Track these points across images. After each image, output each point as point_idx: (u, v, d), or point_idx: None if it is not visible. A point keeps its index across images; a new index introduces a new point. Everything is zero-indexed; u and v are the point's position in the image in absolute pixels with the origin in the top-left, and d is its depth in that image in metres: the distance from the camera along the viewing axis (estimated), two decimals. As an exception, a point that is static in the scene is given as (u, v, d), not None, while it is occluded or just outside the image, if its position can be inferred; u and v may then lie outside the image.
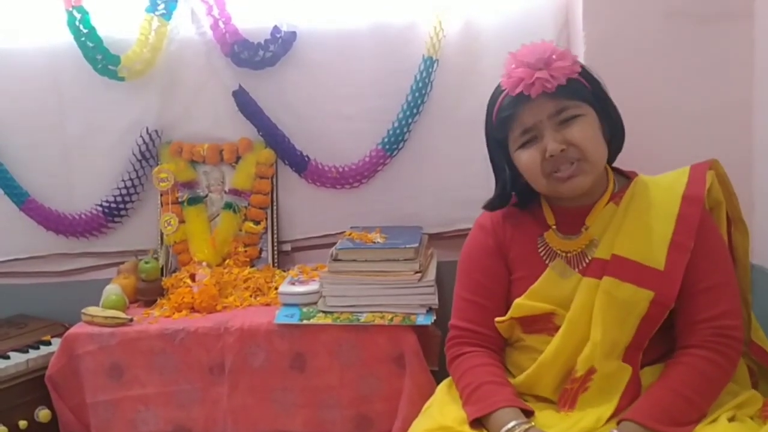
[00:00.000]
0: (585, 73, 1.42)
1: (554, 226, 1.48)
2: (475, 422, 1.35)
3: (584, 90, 1.40)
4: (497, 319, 1.47)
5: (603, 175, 1.46)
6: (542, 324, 1.44)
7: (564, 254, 1.45)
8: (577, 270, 1.43)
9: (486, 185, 1.73)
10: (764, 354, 1.51)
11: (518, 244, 1.50)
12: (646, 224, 1.40)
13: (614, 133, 1.47)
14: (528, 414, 1.35)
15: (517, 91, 1.37)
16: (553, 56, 1.37)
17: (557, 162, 1.38)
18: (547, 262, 1.46)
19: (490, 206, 1.55)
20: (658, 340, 1.40)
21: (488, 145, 1.52)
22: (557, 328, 1.41)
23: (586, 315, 1.38)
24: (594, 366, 1.36)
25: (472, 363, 1.45)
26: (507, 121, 1.42)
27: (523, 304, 1.45)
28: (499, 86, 1.45)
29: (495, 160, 1.52)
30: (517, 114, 1.40)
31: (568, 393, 1.38)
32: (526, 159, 1.41)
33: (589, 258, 1.42)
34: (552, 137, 1.37)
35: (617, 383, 1.35)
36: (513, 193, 1.53)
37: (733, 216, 1.52)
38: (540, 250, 1.47)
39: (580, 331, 1.38)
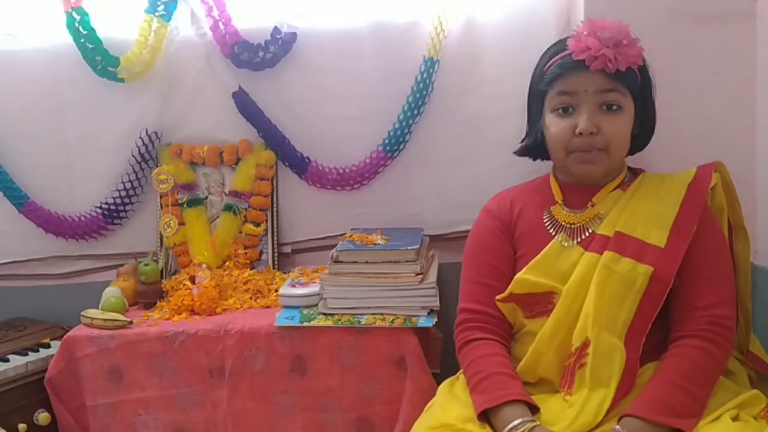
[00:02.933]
0: (644, 69, 1.47)
1: (561, 202, 1.51)
2: (481, 415, 1.35)
3: (635, 82, 1.44)
4: (498, 296, 1.49)
5: (618, 165, 1.50)
6: (543, 305, 1.45)
7: (569, 225, 1.48)
8: (576, 241, 1.45)
9: (487, 187, 1.73)
10: (763, 364, 1.52)
11: (525, 222, 1.54)
12: (650, 207, 1.44)
13: (642, 134, 1.52)
14: (535, 410, 1.35)
15: (580, 57, 1.41)
16: (624, 41, 1.41)
17: (583, 142, 1.42)
18: (552, 233, 1.48)
19: (520, 151, 1.62)
20: (662, 332, 1.40)
21: (529, 93, 1.56)
22: None
23: (583, 289, 1.40)
24: (588, 338, 1.36)
25: (482, 352, 1.45)
26: (555, 77, 1.45)
27: (523, 279, 1.46)
28: (564, 41, 1.48)
29: (531, 109, 1.56)
30: (567, 75, 1.43)
31: (567, 370, 1.39)
32: (556, 130, 1.46)
33: (590, 230, 1.45)
34: (588, 115, 1.41)
35: (612, 366, 1.35)
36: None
37: (735, 223, 1.54)
38: (546, 223, 1.50)
39: (577, 305, 1.40)
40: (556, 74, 1.45)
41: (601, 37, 1.40)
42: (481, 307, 1.50)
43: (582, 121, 1.41)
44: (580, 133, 1.41)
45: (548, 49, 1.52)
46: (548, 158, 1.58)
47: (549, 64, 1.48)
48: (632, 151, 1.54)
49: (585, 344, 1.37)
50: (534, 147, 1.56)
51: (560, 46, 1.49)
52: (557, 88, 1.45)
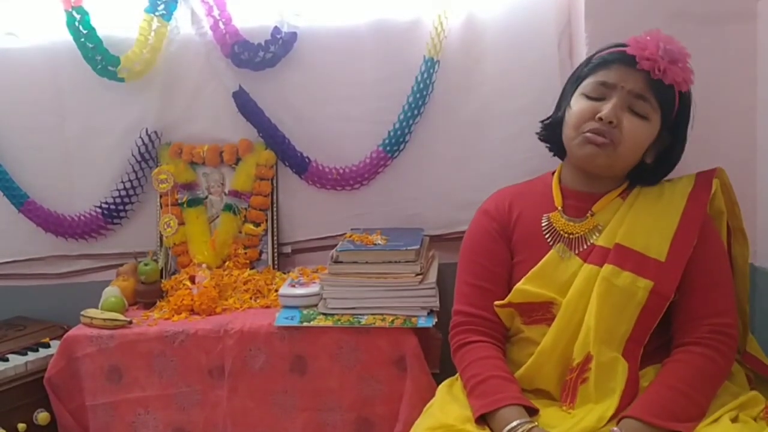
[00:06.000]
0: (685, 96, 1.45)
1: (561, 208, 1.49)
2: (479, 418, 1.35)
3: (671, 104, 1.43)
4: (496, 303, 1.48)
5: (620, 170, 1.48)
6: (541, 313, 1.44)
7: (567, 236, 1.46)
8: (575, 253, 1.44)
9: (488, 187, 1.73)
10: (760, 364, 1.52)
11: (523, 226, 1.52)
12: (650, 218, 1.43)
13: (658, 164, 1.49)
14: (533, 413, 1.35)
15: (634, 52, 1.41)
16: (680, 63, 1.41)
17: (599, 129, 1.41)
18: (550, 243, 1.47)
19: (542, 133, 1.59)
20: (660, 338, 1.40)
21: (571, 75, 1.55)
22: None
23: (583, 302, 1.40)
24: (590, 352, 1.36)
25: (478, 354, 1.45)
26: (602, 65, 1.45)
27: (522, 290, 1.45)
28: (623, 42, 1.48)
29: (565, 90, 1.55)
30: (613, 67, 1.43)
31: (568, 384, 1.39)
32: (577, 109, 1.45)
33: (590, 242, 1.44)
34: (614, 107, 1.40)
35: (615, 378, 1.35)
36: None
37: (734, 226, 1.53)
38: (544, 232, 1.49)
39: (577, 318, 1.40)
40: (602, 61, 1.45)
41: (661, 47, 1.40)
42: (476, 310, 1.50)
43: (606, 108, 1.40)
44: (600, 119, 1.40)
45: (609, 44, 1.52)
46: (561, 155, 1.57)
47: (600, 53, 1.48)
48: (634, 178, 1.50)
49: (587, 359, 1.37)
50: (554, 126, 1.54)
51: (619, 43, 1.48)
52: (599, 76, 1.44)
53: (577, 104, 1.45)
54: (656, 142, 1.46)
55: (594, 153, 1.42)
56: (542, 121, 1.59)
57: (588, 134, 1.42)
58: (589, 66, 1.48)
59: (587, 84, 1.46)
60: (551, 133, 1.57)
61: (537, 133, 1.61)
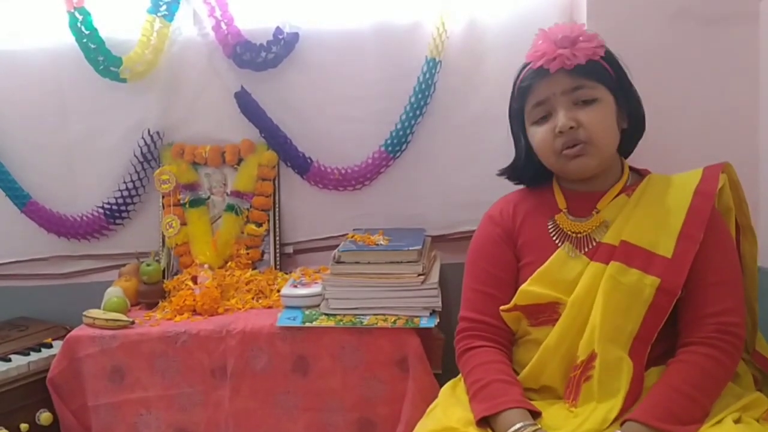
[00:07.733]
0: (610, 58, 1.46)
1: (565, 210, 1.50)
2: (481, 421, 1.34)
3: (605, 73, 1.44)
4: (502, 307, 1.48)
5: (616, 164, 1.49)
6: (548, 314, 1.44)
7: (574, 235, 1.46)
8: (582, 252, 1.44)
9: (490, 187, 1.73)
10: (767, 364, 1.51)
11: (528, 230, 1.52)
12: (656, 215, 1.42)
13: (634, 123, 1.50)
14: (536, 415, 1.34)
15: (538, 64, 1.43)
16: (580, 37, 1.42)
17: (567, 139, 1.41)
18: (558, 243, 1.47)
19: (504, 173, 1.60)
20: (667, 342, 1.39)
21: (509, 115, 1.56)
22: None
23: (589, 300, 1.39)
24: (594, 350, 1.35)
25: (482, 359, 1.45)
26: (524, 92, 1.47)
27: (528, 291, 1.45)
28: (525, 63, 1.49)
29: (513, 130, 1.56)
30: (534, 86, 1.44)
31: (572, 382, 1.38)
32: (539, 137, 1.45)
33: (596, 241, 1.44)
34: (564, 113, 1.41)
35: (620, 378, 1.34)
36: (523, 177, 1.59)
37: (742, 223, 1.52)
38: (551, 233, 1.49)
39: (583, 316, 1.39)
40: (525, 87, 1.46)
41: (555, 40, 1.41)
42: (481, 316, 1.49)
43: (560, 120, 1.41)
44: (561, 132, 1.41)
45: (517, 71, 1.53)
46: (537, 180, 1.57)
47: (518, 81, 1.49)
48: (629, 146, 1.53)
49: (591, 357, 1.36)
50: (523, 165, 1.54)
51: (524, 64, 1.50)
52: (531, 102, 1.46)
53: (535, 135, 1.46)
54: (620, 110, 1.46)
55: (581, 163, 1.43)
56: (510, 167, 1.59)
57: (565, 152, 1.42)
58: (517, 98, 1.49)
59: (529, 114, 1.47)
60: (524, 172, 1.57)
61: (498, 173, 1.61)
